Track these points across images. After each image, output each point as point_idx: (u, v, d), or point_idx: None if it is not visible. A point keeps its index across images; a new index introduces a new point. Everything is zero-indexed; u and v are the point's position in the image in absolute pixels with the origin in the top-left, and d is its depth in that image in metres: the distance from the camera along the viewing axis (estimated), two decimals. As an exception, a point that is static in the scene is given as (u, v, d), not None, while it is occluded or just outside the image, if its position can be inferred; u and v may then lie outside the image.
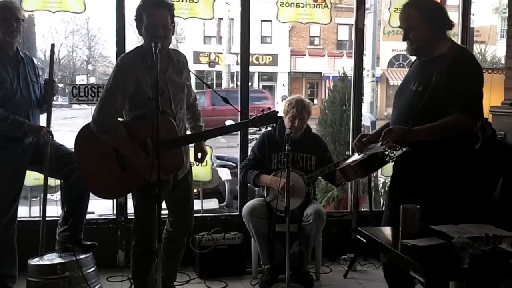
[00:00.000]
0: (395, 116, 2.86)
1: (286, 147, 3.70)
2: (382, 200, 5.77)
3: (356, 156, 2.95)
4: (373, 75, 13.65)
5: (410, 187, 2.80)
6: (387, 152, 2.68)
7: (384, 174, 5.43)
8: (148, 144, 2.99)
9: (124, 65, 3.04)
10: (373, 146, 2.85)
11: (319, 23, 4.83)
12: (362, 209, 4.96)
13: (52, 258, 3.53)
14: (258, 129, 3.31)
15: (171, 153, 3.00)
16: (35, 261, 3.48)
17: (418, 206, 2.61)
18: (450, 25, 2.80)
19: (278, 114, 3.25)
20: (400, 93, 2.90)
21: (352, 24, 4.83)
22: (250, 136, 4.66)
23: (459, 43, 4.89)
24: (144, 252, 3.21)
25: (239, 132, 4.52)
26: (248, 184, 4.34)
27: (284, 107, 4.12)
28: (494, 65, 9.25)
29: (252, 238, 4.08)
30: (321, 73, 26.34)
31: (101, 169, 3.11)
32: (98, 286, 3.62)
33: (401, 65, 26.78)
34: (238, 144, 4.61)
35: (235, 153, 4.86)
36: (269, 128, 4.08)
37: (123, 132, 3.01)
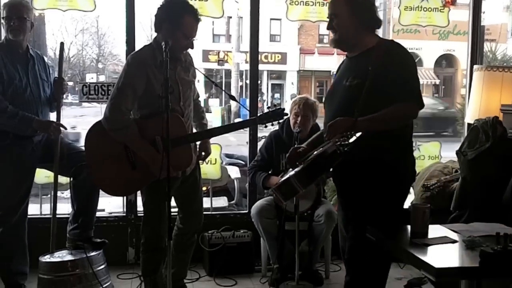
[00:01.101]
0: (330, 118, 2.63)
1: (295, 146, 3.70)
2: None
3: (292, 172, 2.62)
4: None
5: (346, 193, 2.83)
6: (338, 143, 2.41)
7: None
8: (158, 142, 3.00)
9: (135, 64, 3.06)
10: (311, 153, 2.64)
11: (329, 21, 4.81)
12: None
13: (62, 256, 3.55)
14: (264, 126, 3.32)
15: (180, 150, 3.02)
16: (46, 258, 3.51)
17: (428, 205, 2.61)
18: (378, 23, 2.74)
19: (285, 111, 3.28)
20: (332, 95, 2.79)
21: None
22: (259, 134, 4.65)
23: (470, 41, 4.89)
24: (154, 249, 3.22)
25: (248, 130, 4.52)
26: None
27: (289, 107, 4.13)
28: (505, 63, 9.17)
29: (261, 237, 4.08)
30: (330, 71, 26.20)
31: (111, 167, 3.13)
32: (109, 283, 3.64)
33: (411, 63, 26.64)
34: (247, 142, 4.61)
35: (244, 151, 4.86)
36: (276, 128, 4.11)
37: (134, 130, 3.03)
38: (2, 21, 3.50)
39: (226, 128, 3.38)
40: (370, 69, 2.50)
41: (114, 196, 3.94)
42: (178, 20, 3.02)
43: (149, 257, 3.28)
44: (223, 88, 9.11)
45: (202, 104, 3.67)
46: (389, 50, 2.59)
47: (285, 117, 3.41)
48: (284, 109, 3.29)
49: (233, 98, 3.54)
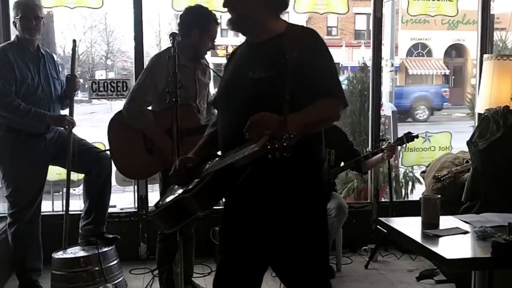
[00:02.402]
0: (230, 117, 2.14)
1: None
2: (403, 191, 5.74)
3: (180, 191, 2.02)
4: (392, 65, 13.51)
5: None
6: (269, 147, 1.68)
7: (404, 164, 5.40)
8: (174, 131, 3.09)
9: (158, 62, 3.25)
10: (209, 164, 2.07)
11: (337, 13, 4.80)
12: (383, 200, 4.94)
13: (75, 252, 3.59)
14: None
15: (194, 140, 3.07)
16: (59, 255, 3.54)
17: (439, 196, 2.60)
18: (285, 4, 2.22)
19: None
20: (230, 91, 2.21)
21: (370, 14, 4.78)
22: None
23: (479, 31, 4.85)
24: (170, 238, 3.25)
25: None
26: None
27: None
28: (516, 52, 9.10)
29: (272, 230, 4.08)
30: (339, 63, 26.14)
31: (131, 152, 3.32)
32: (121, 278, 3.67)
33: (420, 54, 26.51)
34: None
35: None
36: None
37: (150, 118, 3.24)
38: (16, 20, 3.53)
39: None
40: (288, 57, 2.01)
41: (133, 179, 4.16)
42: (207, 27, 3.27)
43: (165, 246, 3.34)
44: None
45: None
46: (307, 37, 2.13)
47: None
48: None
49: None
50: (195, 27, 3.26)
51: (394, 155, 4.16)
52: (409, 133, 4.09)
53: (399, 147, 4.46)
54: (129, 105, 3.26)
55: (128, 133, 3.27)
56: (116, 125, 3.34)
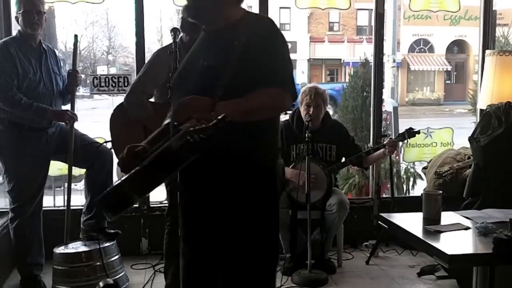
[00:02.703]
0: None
1: (307, 134, 3.70)
2: (404, 187, 5.74)
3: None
4: (394, 60, 13.50)
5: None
6: (192, 130, 1.70)
7: (406, 160, 5.40)
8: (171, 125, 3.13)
9: (159, 57, 3.25)
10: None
11: (338, 9, 4.79)
12: (384, 196, 4.94)
13: (77, 247, 3.59)
14: None
15: None
16: (61, 250, 3.55)
17: (441, 192, 2.60)
18: None
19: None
20: (184, 78, 2.18)
21: (372, 9, 4.77)
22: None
23: (481, 26, 4.83)
24: (177, 231, 3.26)
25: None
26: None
27: (299, 98, 4.08)
28: (518, 48, 9.07)
29: (273, 226, 4.08)
30: (340, 59, 26.14)
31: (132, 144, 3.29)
32: (123, 273, 3.67)
33: (422, 50, 26.46)
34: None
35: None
36: (287, 118, 4.10)
37: (149, 109, 3.25)
38: (18, 15, 3.54)
39: None
40: (234, 49, 2.01)
41: None
42: None
43: (172, 239, 3.33)
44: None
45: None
46: (258, 26, 2.09)
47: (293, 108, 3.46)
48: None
49: None
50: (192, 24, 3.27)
51: (395, 151, 4.16)
52: (411, 128, 4.08)
53: (400, 143, 4.46)
54: (128, 96, 3.30)
55: (129, 126, 3.28)
56: (117, 118, 3.36)
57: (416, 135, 4.12)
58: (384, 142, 4.03)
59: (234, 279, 2.11)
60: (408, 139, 4.15)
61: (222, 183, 2.04)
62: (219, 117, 1.72)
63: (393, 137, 4.16)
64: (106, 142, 3.63)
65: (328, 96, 4.14)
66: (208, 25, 2.18)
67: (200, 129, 1.68)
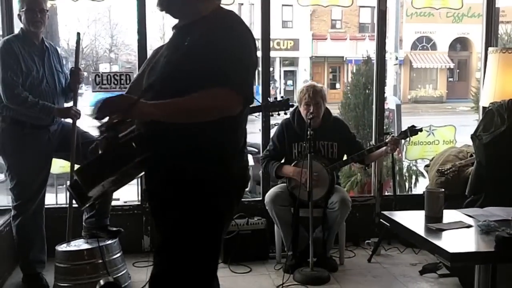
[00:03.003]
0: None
1: (309, 132, 3.70)
2: (406, 185, 5.74)
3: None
4: (396, 58, 13.50)
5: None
6: (103, 128, 1.80)
7: (408, 158, 5.39)
8: None
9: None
10: None
11: (341, 6, 4.78)
12: (386, 194, 4.94)
13: (79, 244, 3.60)
14: (271, 115, 3.39)
15: None
16: (63, 247, 3.55)
17: (443, 190, 2.59)
18: None
19: (290, 103, 3.34)
20: (151, 72, 2.11)
21: (374, 6, 4.77)
22: (272, 122, 4.64)
23: (484, 24, 4.81)
24: None
25: (260, 117, 4.52)
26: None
27: (297, 97, 4.06)
28: (521, 46, 9.06)
29: (275, 224, 4.09)
30: (343, 57, 26.12)
31: None
32: (125, 271, 3.67)
33: (425, 48, 26.42)
34: (259, 130, 4.60)
35: (257, 139, 4.87)
36: (288, 116, 4.10)
37: None
38: (21, 13, 3.54)
39: None
40: (186, 43, 1.95)
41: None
42: None
43: None
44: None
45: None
46: (219, 22, 1.97)
47: (291, 108, 3.47)
48: (288, 99, 3.44)
49: None
50: None
51: (397, 149, 4.15)
52: (413, 126, 4.08)
53: (402, 141, 4.45)
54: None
55: None
56: None
57: (419, 133, 4.11)
58: (386, 140, 4.03)
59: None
60: (410, 137, 4.14)
61: (164, 188, 2.00)
62: (115, 121, 1.76)
63: (395, 135, 4.15)
64: None
65: (326, 93, 4.13)
66: (180, 19, 2.10)
67: (110, 127, 1.75)
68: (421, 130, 4.13)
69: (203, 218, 1.97)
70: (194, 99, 1.83)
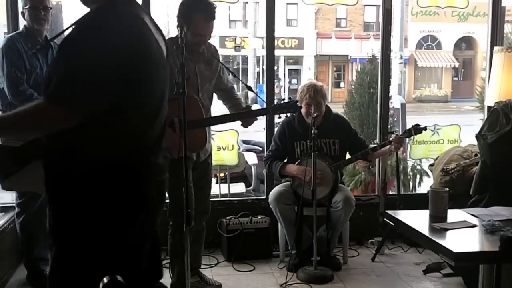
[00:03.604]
0: None
1: (313, 131, 3.69)
2: (411, 184, 5.72)
3: None
4: (401, 57, 13.47)
5: None
6: None
7: (412, 157, 5.38)
8: (176, 123, 3.14)
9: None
10: None
11: (346, 4, 4.78)
12: (390, 193, 4.93)
13: (83, 242, 3.60)
14: (278, 117, 3.52)
15: (196, 133, 3.18)
16: (67, 245, 3.55)
17: (447, 189, 2.58)
18: None
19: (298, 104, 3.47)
20: None
21: (379, 5, 4.75)
22: (276, 120, 4.64)
23: (490, 23, 4.79)
24: (181, 228, 3.26)
25: (264, 116, 4.52)
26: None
27: (298, 96, 4.06)
28: (527, 45, 9.01)
29: (279, 223, 4.08)
30: (347, 55, 26.08)
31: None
32: (128, 269, 3.68)
33: (430, 47, 26.35)
34: (264, 128, 4.60)
35: (261, 137, 4.88)
36: (288, 115, 4.11)
37: None
38: (25, 11, 3.55)
39: (240, 115, 3.44)
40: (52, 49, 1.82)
41: None
42: (188, 17, 3.19)
43: (177, 237, 3.34)
44: (240, 78, 9.05)
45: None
46: (85, 20, 1.77)
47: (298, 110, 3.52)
48: (297, 101, 3.49)
49: (249, 88, 3.62)
50: (179, 18, 3.23)
51: (402, 147, 4.13)
52: (417, 125, 4.06)
53: (407, 139, 4.44)
54: None
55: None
56: None
57: (423, 131, 4.09)
58: (390, 139, 4.02)
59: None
60: (415, 136, 4.13)
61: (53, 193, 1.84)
62: None
63: (400, 134, 4.14)
64: None
65: (325, 92, 4.13)
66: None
67: None
68: (425, 128, 4.12)
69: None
70: (22, 113, 1.72)
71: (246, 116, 3.41)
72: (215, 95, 3.57)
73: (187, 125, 2.83)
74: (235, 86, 3.82)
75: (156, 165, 1.94)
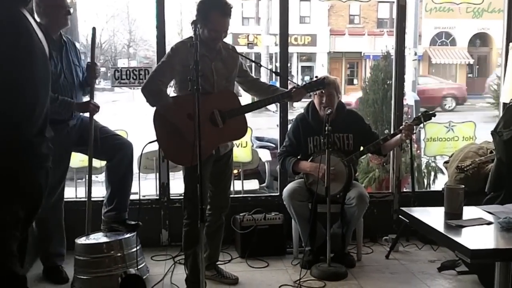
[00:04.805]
0: None
1: (327, 128, 3.68)
2: (425, 181, 5.69)
3: None
4: (415, 53, 13.36)
5: None
6: None
7: (427, 154, 5.35)
8: (216, 114, 3.29)
9: (178, 47, 3.33)
10: None
11: (359, 1, 4.77)
12: (404, 190, 4.91)
13: (98, 238, 3.63)
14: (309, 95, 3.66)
15: (237, 121, 3.35)
16: (82, 240, 3.59)
17: (463, 186, 2.57)
18: None
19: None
20: None
21: (393, 1, 4.73)
22: (289, 117, 4.64)
23: (505, 19, 4.74)
24: (195, 222, 3.28)
25: (278, 112, 4.53)
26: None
27: None
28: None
29: (292, 219, 4.09)
30: (361, 52, 25.97)
31: (172, 140, 3.33)
32: (143, 264, 3.71)
33: (444, 43, 26.14)
34: (277, 125, 4.60)
35: (275, 134, 4.87)
36: (301, 111, 4.11)
37: (166, 98, 3.29)
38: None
39: (273, 98, 3.55)
40: None
41: (181, 165, 3.66)
42: (206, 15, 3.25)
43: (190, 231, 3.37)
44: (253, 74, 9.04)
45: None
46: None
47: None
48: (324, 78, 3.61)
49: (277, 74, 4.12)
50: (197, 15, 3.29)
51: (412, 135, 4.07)
52: (426, 111, 4.03)
53: (416, 127, 4.38)
54: (147, 84, 3.31)
55: (168, 122, 3.29)
56: (157, 116, 3.33)
57: (432, 117, 4.03)
58: (401, 127, 3.98)
59: None
60: (424, 122, 4.08)
61: None
62: None
63: (409, 121, 4.10)
64: (153, 141, 3.53)
65: (340, 84, 4.12)
66: None
67: None
68: (434, 115, 4.03)
69: None
70: None
71: (277, 100, 3.59)
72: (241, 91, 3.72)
73: (227, 115, 3.17)
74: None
75: (40, 155, 2.09)
